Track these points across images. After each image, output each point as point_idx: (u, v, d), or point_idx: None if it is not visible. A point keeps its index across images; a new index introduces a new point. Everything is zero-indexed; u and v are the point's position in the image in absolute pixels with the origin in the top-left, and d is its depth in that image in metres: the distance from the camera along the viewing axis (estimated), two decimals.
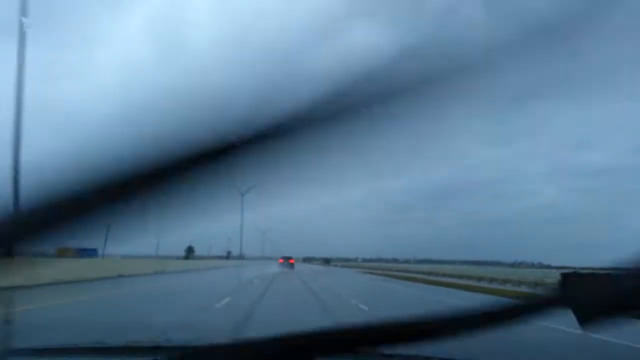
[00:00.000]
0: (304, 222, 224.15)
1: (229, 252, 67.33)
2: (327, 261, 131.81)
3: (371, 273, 45.54)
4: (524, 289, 23.69)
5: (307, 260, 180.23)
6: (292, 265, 77.14)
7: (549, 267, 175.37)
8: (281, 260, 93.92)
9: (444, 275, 38.78)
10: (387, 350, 1.49)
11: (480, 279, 32.53)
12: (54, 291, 14.09)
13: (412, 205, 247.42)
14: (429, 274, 41.77)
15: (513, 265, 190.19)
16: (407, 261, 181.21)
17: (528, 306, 0.55)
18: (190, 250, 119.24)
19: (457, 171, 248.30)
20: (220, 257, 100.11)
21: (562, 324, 8.38)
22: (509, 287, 24.30)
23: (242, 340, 0.55)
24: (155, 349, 1.54)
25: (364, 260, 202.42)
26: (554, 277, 38.95)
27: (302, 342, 0.51)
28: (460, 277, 35.66)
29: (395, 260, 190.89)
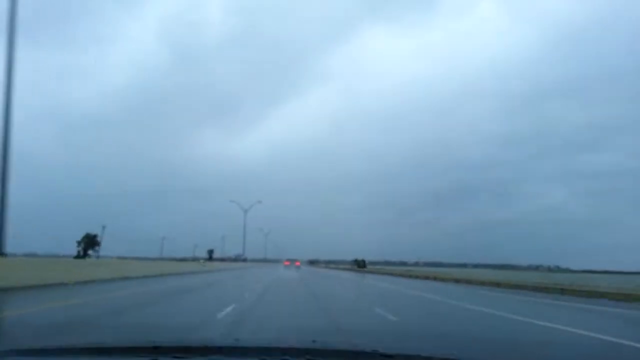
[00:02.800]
0: (307, 224, 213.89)
1: (211, 252, 56.56)
2: (360, 265, 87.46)
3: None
4: None
5: (313, 262, 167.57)
6: (298, 268, 78.74)
7: (568, 270, 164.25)
8: (287, 263, 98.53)
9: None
10: (386, 351, 1.59)
11: None
12: None
13: (418, 206, 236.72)
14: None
15: (529, 268, 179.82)
16: (416, 264, 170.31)
17: None
18: (90, 243, 75.46)
19: (466, 172, 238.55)
20: (190, 259, 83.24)
21: (562, 324, 9.20)
22: None
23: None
24: (154, 349, 1.52)
25: (370, 263, 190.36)
26: None
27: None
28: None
29: (403, 263, 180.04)
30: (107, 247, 78.08)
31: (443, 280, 37.06)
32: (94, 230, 74.35)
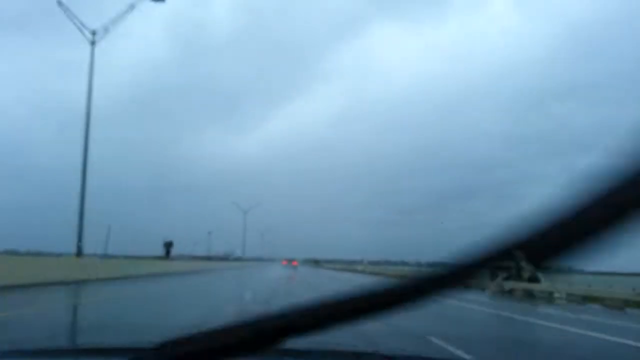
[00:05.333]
0: (304, 223, 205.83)
1: (168, 245, 45.47)
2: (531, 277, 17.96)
3: None
4: None
5: (317, 262, 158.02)
6: (295, 268, 74.06)
7: (582, 272, 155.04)
8: (284, 262, 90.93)
9: None
10: (387, 352, 1.75)
11: None
12: None
13: (419, 205, 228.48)
14: None
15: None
16: (418, 264, 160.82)
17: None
18: None
19: (468, 172, 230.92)
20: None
21: (565, 324, 9.16)
22: None
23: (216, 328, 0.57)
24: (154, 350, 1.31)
25: (370, 262, 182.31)
26: None
27: (272, 324, 0.52)
28: None
29: (404, 263, 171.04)
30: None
31: None
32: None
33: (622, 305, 16.48)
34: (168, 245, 40.66)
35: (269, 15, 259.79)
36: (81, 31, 26.54)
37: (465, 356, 6.53)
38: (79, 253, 25.32)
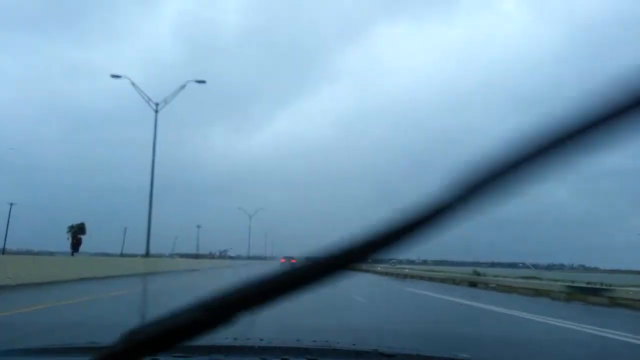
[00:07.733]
0: (308, 222, 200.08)
1: (75, 231, 36.10)
2: None
3: None
4: None
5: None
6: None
7: (596, 270, 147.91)
8: (282, 260, 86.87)
9: None
10: (387, 351, 1.64)
11: None
12: None
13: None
14: None
15: (549, 267, 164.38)
16: (424, 262, 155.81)
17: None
18: None
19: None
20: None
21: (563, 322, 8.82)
22: None
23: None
24: None
25: (375, 261, 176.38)
26: None
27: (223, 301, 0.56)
28: None
29: (410, 262, 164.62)
30: None
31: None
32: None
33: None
34: (75, 233, 24.66)
35: (278, 16, 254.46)
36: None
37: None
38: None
